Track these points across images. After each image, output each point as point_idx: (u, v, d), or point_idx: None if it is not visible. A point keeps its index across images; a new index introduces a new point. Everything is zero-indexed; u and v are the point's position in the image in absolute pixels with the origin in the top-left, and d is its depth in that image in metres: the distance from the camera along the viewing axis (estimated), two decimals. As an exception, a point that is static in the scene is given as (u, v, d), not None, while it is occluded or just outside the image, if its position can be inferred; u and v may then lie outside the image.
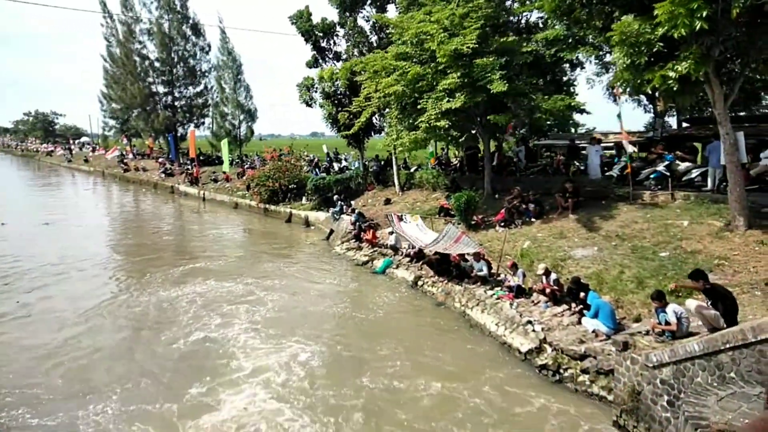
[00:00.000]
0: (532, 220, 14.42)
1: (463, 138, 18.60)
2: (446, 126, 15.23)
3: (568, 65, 18.44)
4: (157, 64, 42.43)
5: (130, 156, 49.99)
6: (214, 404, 7.88)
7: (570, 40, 15.29)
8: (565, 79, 18.49)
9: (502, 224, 14.70)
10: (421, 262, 13.81)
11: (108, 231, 23.19)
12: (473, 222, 15.28)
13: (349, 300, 12.84)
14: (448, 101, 14.43)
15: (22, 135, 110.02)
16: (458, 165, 22.11)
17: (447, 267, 12.97)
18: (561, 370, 8.46)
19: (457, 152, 25.03)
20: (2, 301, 12.46)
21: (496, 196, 16.89)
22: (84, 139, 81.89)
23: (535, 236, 13.34)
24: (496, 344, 9.87)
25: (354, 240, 17.37)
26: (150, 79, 42.87)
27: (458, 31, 14.60)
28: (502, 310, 10.44)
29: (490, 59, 14.11)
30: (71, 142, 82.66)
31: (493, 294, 11.22)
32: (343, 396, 8.11)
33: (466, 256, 12.76)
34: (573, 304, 9.78)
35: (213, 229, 22.70)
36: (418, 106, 15.78)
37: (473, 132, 17.82)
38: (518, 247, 13.06)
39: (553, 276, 10.52)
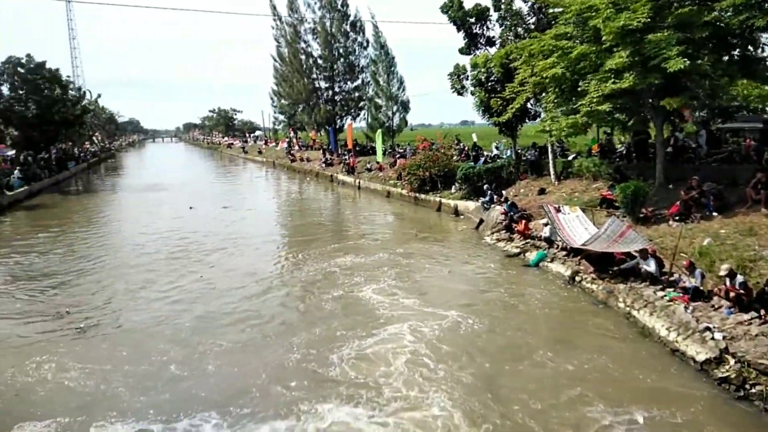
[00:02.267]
0: (714, 214, 12.67)
1: (631, 122, 16.96)
2: (609, 109, 14.02)
3: (764, 36, 15.56)
4: (320, 62, 45.48)
5: (296, 147, 54.31)
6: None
7: (766, 4, 12.82)
8: (758, 53, 15.63)
9: (677, 218, 13.14)
10: (579, 257, 12.95)
11: (276, 214, 26.00)
12: (641, 215, 13.89)
13: (499, 290, 12.53)
14: (614, 82, 13.23)
15: (207, 130, 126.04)
16: (624, 152, 20.24)
17: (609, 263, 11.99)
18: (747, 386, 7.33)
19: (623, 138, 22.96)
20: (187, 274, 14.35)
21: (670, 186, 15.13)
22: (258, 132, 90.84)
23: (716, 233, 11.71)
24: (666, 351, 8.86)
25: (505, 231, 16.88)
26: (313, 76, 46.13)
27: (627, 5, 13.26)
28: (675, 314, 9.36)
29: (665, 34, 12.56)
30: (247, 135, 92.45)
31: (665, 295, 10.10)
32: (490, 379, 7.94)
33: (633, 252, 11.65)
34: (764, 312, 8.42)
35: (366, 215, 23.87)
36: (579, 89, 14.73)
37: (642, 115, 16.16)
38: (696, 245, 11.57)
39: (740, 278, 9.15)
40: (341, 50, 44.75)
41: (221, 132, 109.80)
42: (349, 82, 46.10)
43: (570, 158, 21.30)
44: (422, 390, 7.88)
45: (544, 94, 17.95)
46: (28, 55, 40.36)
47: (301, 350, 9.37)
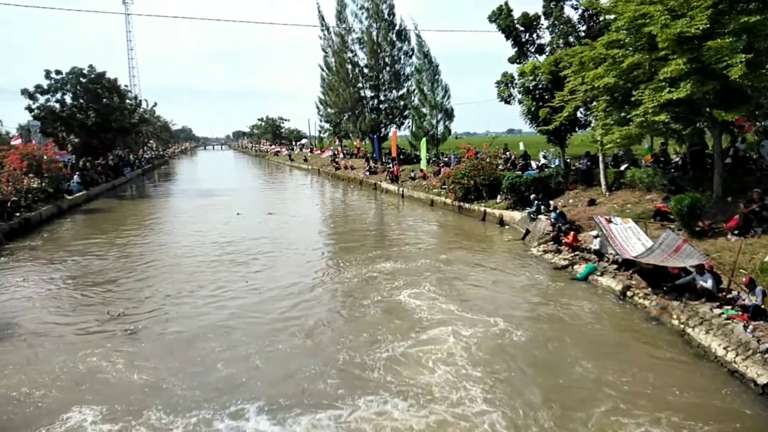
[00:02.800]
0: (778, 228, 12.02)
1: (686, 132, 16.31)
2: (665, 120, 13.53)
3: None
4: (366, 71, 46.00)
5: (341, 156, 54.94)
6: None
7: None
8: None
9: (736, 232, 12.53)
10: (631, 271, 12.51)
11: (320, 221, 26.33)
12: (698, 228, 13.31)
13: (544, 301, 12.29)
14: (670, 91, 12.77)
15: (255, 138, 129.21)
16: (680, 162, 19.48)
17: (663, 278, 11.53)
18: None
19: (678, 148, 22.13)
20: (234, 278, 14.71)
21: (729, 199, 14.45)
22: (304, 140, 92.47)
23: (781, 248, 11.11)
24: (723, 372, 8.44)
25: (552, 242, 16.51)
26: (359, 85, 46.67)
27: (685, 11, 12.80)
28: (734, 333, 8.90)
29: (727, 41, 12.03)
30: (293, 143, 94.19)
31: (723, 313, 9.62)
32: (526, 397, 7.76)
33: (688, 267, 11.16)
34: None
35: (409, 223, 23.86)
36: (632, 98, 14.29)
37: (699, 125, 15.52)
38: (756, 261, 11.02)
39: (808, 298, 8.62)
40: (387, 59, 45.14)
41: (268, 140, 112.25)
42: (394, 91, 46.43)
43: (622, 168, 20.66)
44: (460, 391, 8.08)
45: (594, 103, 17.52)
46: (90, 66, 42.63)
47: (343, 351, 9.62)
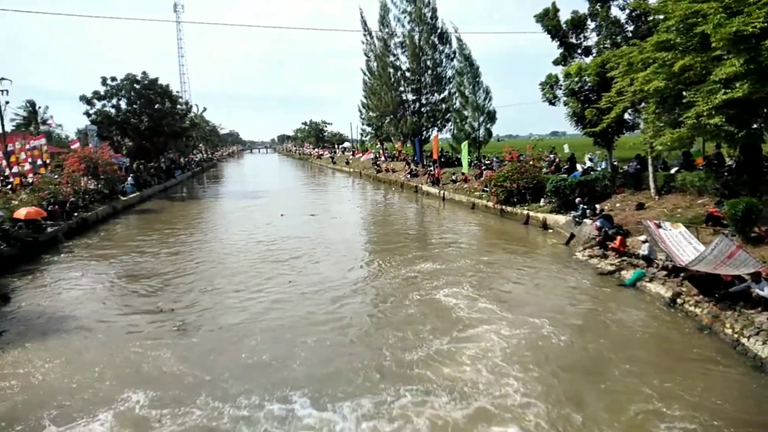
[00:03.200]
0: (843, 235, 11.38)
1: (741, 134, 15.62)
2: (720, 122, 13.02)
3: None
4: (408, 74, 46.10)
5: (382, 158, 55.24)
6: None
7: None
8: None
9: (796, 239, 11.93)
10: (681, 277, 12.09)
11: (361, 222, 26.69)
12: (753, 234, 12.75)
13: (589, 307, 12.11)
14: (725, 92, 12.28)
15: (299, 141, 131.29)
16: (733, 166, 18.68)
17: (716, 285, 11.09)
18: None
19: (732, 151, 21.21)
20: (277, 276, 15.11)
21: (787, 204, 13.78)
22: (346, 144, 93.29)
23: None
24: (782, 384, 8.09)
25: (598, 247, 16.13)
26: (401, 88, 46.81)
27: (741, 8, 12.28)
28: (793, 345, 8.49)
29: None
30: (335, 146, 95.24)
31: (781, 323, 9.19)
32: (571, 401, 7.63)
33: (743, 275, 10.71)
34: None
35: (450, 226, 23.86)
36: (683, 100, 13.82)
37: (756, 127, 14.83)
38: (819, 269, 10.45)
39: None
40: (429, 62, 45.10)
41: (312, 143, 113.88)
42: (436, 94, 46.34)
43: (672, 171, 19.98)
44: (499, 387, 8.32)
45: (643, 105, 17.03)
46: (144, 72, 44.39)
47: (384, 346, 9.95)
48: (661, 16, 15.25)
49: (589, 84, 21.19)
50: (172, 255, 18.37)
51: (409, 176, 41.13)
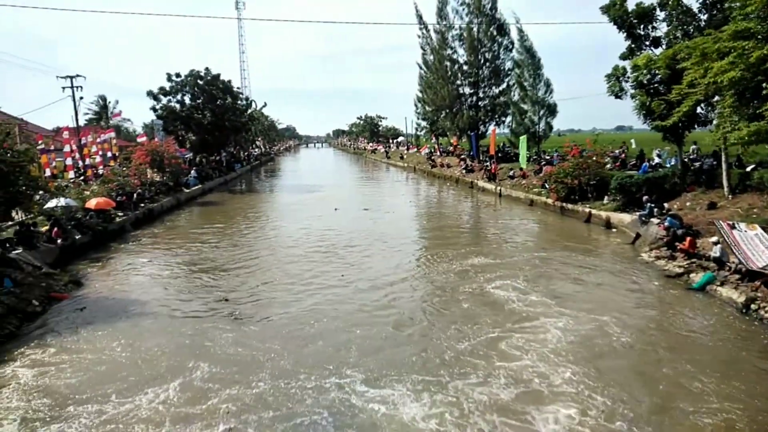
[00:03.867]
0: None
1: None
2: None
3: None
4: (465, 67, 45.36)
5: (438, 153, 54.82)
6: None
7: None
8: None
9: None
10: (759, 281, 11.27)
11: (414, 217, 26.71)
12: (842, 238, 11.71)
13: (652, 309, 11.60)
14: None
15: (354, 135, 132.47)
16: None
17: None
18: None
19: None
20: (330, 269, 15.30)
21: None
22: (400, 138, 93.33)
23: None
24: None
25: (666, 248, 15.30)
26: (458, 82, 46.10)
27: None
28: None
29: None
30: (390, 141, 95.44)
31: None
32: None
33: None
34: None
35: (506, 222, 23.39)
36: (763, 92, 12.84)
37: None
38: None
39: None
40: (487, 55, 44.16)
41: (366, 138, 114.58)
42: (494, 87, 45.34)
43: (748, 169, 18.67)
44: (553, 376, 8.42)
45: (718, 98, 15.95)
46: (207, 69, 46.00)
47: (437, 335, 10.20)
48: (738, 4, 14.20)
49: (659, 76, 20.07)
50: (231, 246, 18.95)
51: (464, 171, 40.60)
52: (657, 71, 19.76)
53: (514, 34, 40.56)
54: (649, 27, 21.43)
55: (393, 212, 26.83)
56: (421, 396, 7.89)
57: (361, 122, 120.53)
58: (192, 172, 38.02)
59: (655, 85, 20.38)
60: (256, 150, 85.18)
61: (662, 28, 21.17)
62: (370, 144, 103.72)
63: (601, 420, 7.16)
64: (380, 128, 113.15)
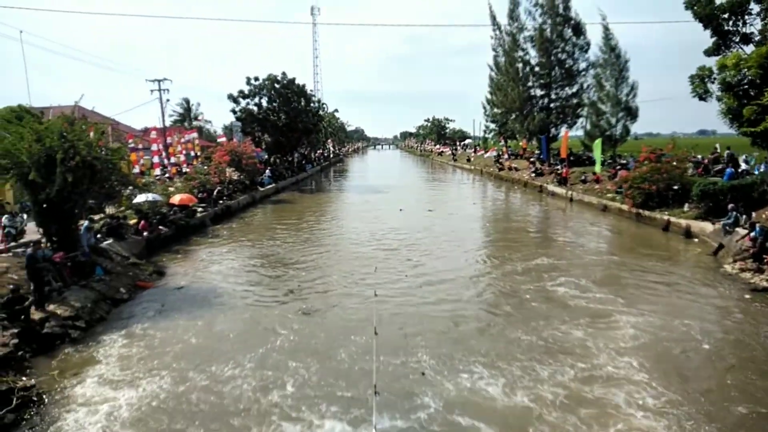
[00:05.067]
0: None
1: None
2: None
3: None
4: (536, 69, 44.35)
5: (506, 156, 53.94)
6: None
7: None
8: None
9: None
10: None
11: (479, 219, 26.56)
12: None
13: (733, 323, 10.95)
14: None
15: (421, 138, 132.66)
16: None
17: None
18: None
19: None
20: (395, 269, 15.54)
21: None
22: (468, 141, 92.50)
23: None
24: None
25: (752, 260, 14.35)
26: (529, 84, 45.13)
27: None
28: None
29: None
30: (457, 143, 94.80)
31: None
32: None
33: None
34: None
35: (577, 227, 22.76)
36: None
37: None
38: None
39: None
40: (560, 55, 42.93)
41: (433, 140, 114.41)
42: (567, 88, 44.01)
43: None
44: (624, 372, 8.66)
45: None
46: (283, 73, 47.65)
47: (505, 332, 10.53)
48: None
49: (749, 77, 18.83)
50: (302, 242, 19.70)
51: (533, 175, 39.72)
52: (747, 71, 18.57)
53: (597, 33, 39.26)
54: (740, 22, 20.15)
55: (458, 214, 26.77)
56: (500, 379, 8.48)
57: (429, 124, 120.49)
58: (267, 171, 39.58)
59: (745, 86, 19.15)
60: (326, 152, 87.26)
61: (755, 24, 19.85)
62: (437, 146, 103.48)
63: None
64: (447, 130, 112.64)
